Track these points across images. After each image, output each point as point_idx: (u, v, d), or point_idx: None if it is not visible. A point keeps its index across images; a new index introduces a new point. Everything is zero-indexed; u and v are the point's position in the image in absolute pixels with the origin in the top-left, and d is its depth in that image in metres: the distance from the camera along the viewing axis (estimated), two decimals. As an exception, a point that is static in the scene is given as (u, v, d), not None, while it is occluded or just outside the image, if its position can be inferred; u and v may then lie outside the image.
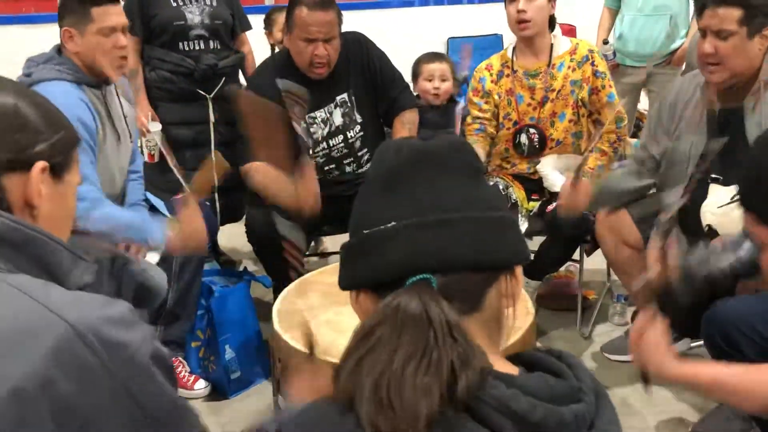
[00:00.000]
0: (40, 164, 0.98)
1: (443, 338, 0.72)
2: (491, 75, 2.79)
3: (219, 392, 2.45)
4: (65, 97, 2.00)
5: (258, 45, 3.67)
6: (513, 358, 0.81)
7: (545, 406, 0.73)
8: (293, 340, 1.73)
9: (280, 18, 3.57)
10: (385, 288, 0.78)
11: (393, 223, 0.79)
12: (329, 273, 2.17)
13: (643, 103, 4.10)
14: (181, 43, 2.94)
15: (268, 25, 3.71)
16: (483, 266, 0.80)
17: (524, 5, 2.62)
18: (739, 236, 1.86)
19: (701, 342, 2.29)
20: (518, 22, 2.66)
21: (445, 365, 0.70)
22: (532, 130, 2.73)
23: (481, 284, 0.80)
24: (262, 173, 2.50)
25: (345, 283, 0.85)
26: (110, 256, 1.90)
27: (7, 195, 0.95)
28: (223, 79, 3.02)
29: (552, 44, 2.72)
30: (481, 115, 2.79)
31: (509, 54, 2.77)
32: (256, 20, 3.76)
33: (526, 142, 2.74)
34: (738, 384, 1.45)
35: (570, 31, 4.98)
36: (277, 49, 3.67)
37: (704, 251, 1.89)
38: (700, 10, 2.17)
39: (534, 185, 2.76)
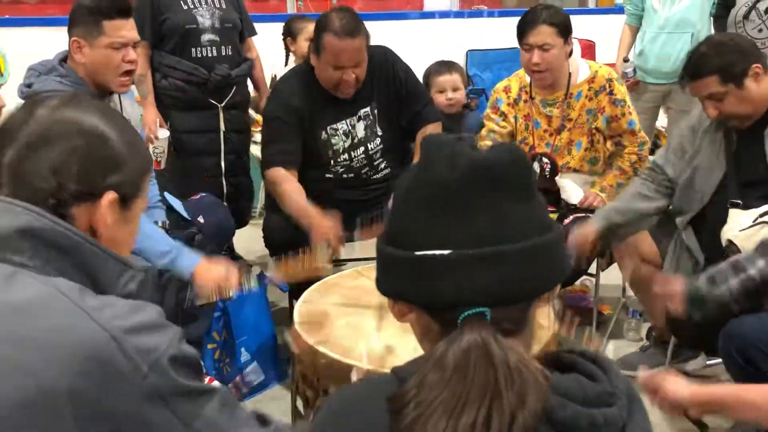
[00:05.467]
0: (109, 195, 0.97)
1: (504, 380, 0.72)
2: (508, 98, 2.80)
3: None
4: None
5: (273, 51, 3.71)
6: (549, 360, 0.82)
7: (575, 407, 0.74)
8: (314, 341, 1.74)
9: (306, 27, 3.59)
10: (434, 310, 0.79)
11: (449, 251, 0.76)
12: (350, 276, 2.18)
13: (661, 121, 4.10)
14: (193, 50, 2.92)
15: (290, 33, 3.73)
16: (537, 296, 0.81)
17: (538, 57, 2.56)
18: (752, 253, 1.86)
19: (717, 360, 2.29)
20: (533, 71, 2.62)
21: (506, 412, 0.71)
22: (545, 159, 2.72)
23: (529, 307, 0.82)
24: (287, 190, 2.49)
25: (387, 292, 0.84)
26: (158, 269, 1.89)
27: (74, 223, 0.95)
28: (234, 87, 3.03)
29: (570, 73, 2.68)
30: (497, 129, 2.81)
31: (527, 78, 2.75)
32: (279, 28, 3.80)
33: (538, 170, 2.74)
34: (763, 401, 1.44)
35: (589, 47, 5.00)
36: (292, 57, 3.69)
37: (709, 273, 1.88)
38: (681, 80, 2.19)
39: (551, 197, 2.77)
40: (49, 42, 2.70)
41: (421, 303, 0.80)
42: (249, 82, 3.28)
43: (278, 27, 3.82)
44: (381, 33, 3.14)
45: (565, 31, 2.58)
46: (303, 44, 3.57)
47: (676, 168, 2.35)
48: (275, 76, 3.76)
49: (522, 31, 2.60)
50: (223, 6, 3.01)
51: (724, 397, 1.46)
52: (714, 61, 2.07)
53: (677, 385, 1.47)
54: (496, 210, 0.77)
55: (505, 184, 0.78)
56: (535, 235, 0.78)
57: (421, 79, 3.12)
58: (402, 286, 0.81)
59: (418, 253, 0.78)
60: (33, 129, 0.95)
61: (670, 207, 2.39)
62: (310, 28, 3.54)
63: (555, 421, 0.73)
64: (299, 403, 1.95)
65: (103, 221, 0.97)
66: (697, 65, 2.11)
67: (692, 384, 1.47)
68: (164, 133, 2.92)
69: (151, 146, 2.91)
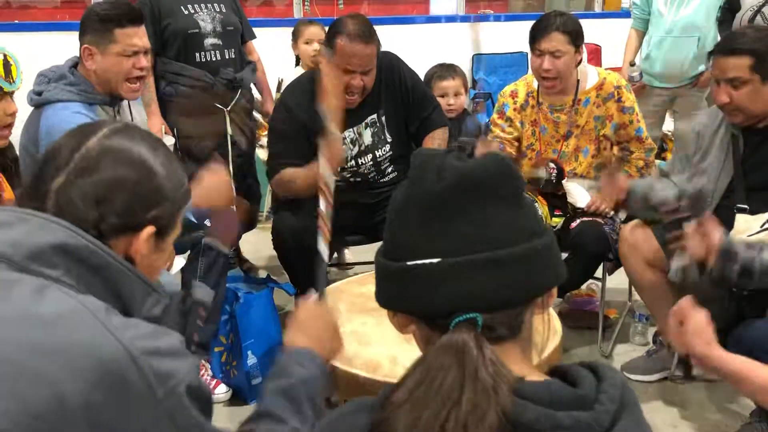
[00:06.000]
0: (149, 229, 1.00)
1: (470, 391, 0.73)
2: (515, 103, 2.81)
3: (240, 397, 2.47)
4: (76, 119, 1.95)
5: (279, 55, 3.72)
6: (551, 370, 0.83)
7: (538, 409, 0.74)
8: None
9: (307, 30, 3.64)
10: (431, 320, 0.80)
11: (438, 259, 0.78)
12: (356, 283, 2.18)
13: (668, 125, 4.10)
14: (197, 54, 2.93)
15: (295, 37, 3.77)
16: (529, 300, 0.82)
17: (549, 64, 2.57)
18: None
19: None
20: (543, 78, 2.63)
21: (460, 423, 0.72)
22: (551, 164, 2.73)
23: (522, 312, 0.82)
24: (289, 171, 2.55)
25: (384, 304, 0.86)
26: (183, 295, 1.91)
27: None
28: (239, 91, 3.04)
29: (578, 79, 2.69)
30: (503, 135, 2.82)
31: (534, 84, 2.76)
32: (286, 33, 3.83)
33: (544, 176, 2.75)
34: None
35: (595, 51, 5.00)
36: (301, 61, 3.72)
37: (747, 241, 1.88)
38: (709, 59, 2.16)
39: (558, 201, 2.77)
40: (60, 47, 2.73)
41: (417, 313, 0.82)
42: (253, 86, 3.29)
43: (285, 31, 3.85)
44: (388, 37, 3.16)
45: (577, 39, 2.60)
46: (302, 47, 3.63)
47: (684, 172, 2.35)
48: (282, 80, 3.78)
49: (534, 37, 2.61)
50: (223, 10, 3.03)
51: (737, 370, 1.46)
52: (755, 43, 2.04)
53: (704, 333, 1.46)
54: (483, 217, 0.79)
55: (490, 193, 0.80)
56: (523, 241, 0.79)
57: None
58: (398, 297, 0.83)
59: (409, 263, 0.80)
60: (82, 156, 0.97)
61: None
62: (309, 30, 3.61)
63: (518, 425, 0.73)
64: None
65: (139, 252, 1.00)
66: (736, 40, 2.08)
67: (715, 343, 1.46)
68: (169, 140, 2.93)
69: None
